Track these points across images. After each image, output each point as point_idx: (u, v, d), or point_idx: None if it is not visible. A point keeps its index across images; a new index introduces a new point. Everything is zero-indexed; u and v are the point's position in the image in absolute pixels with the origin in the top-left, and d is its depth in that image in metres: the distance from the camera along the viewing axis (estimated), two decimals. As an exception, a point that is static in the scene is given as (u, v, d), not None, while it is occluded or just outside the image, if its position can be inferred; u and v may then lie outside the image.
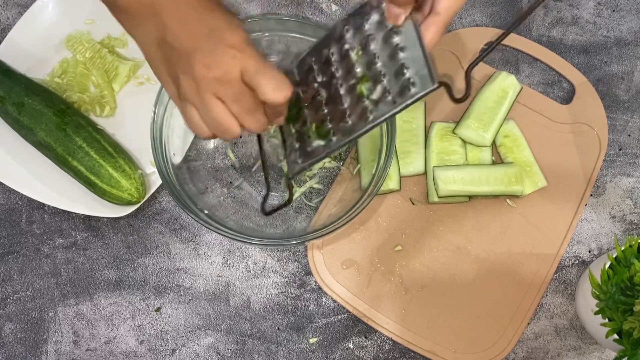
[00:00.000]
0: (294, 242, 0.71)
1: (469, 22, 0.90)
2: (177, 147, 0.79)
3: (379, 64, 0.56)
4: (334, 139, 0.59)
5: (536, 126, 0.85)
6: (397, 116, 0.78)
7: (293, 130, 0.64)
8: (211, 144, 0.85)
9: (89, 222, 0.83)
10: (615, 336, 0.66)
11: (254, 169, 0.84)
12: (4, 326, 0.81)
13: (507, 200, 0.83)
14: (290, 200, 0.63)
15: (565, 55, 0.89)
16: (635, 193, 0.85)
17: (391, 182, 0.81)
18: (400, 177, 0.82)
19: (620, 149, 0.86)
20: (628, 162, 0.86)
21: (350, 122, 0.58)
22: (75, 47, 0.85)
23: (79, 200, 0.80)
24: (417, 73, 0.53)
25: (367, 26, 0.57)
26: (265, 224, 0.82)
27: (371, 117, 0.56)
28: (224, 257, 0.82)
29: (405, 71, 0.54)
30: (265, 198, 0.65)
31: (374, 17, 0.56)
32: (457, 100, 0.53)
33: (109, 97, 0.85)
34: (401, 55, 0.54)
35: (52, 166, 0.82)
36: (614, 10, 0.91)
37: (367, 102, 0.56)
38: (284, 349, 0.80)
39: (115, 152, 0.80)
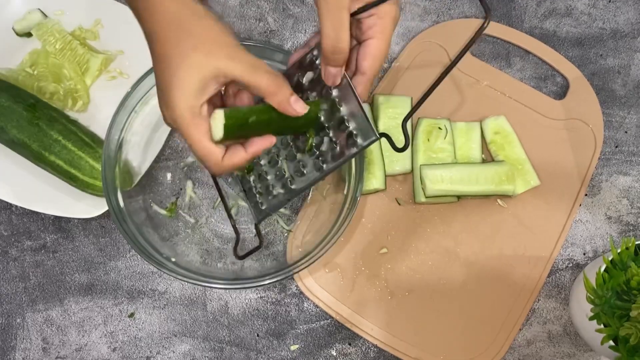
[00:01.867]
0: (267, 282, 0.71)
1: (457, 13, 0.89)
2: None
3: (322, 119, 0.62)
4: (293, 187, 0.66)
5: (528, 122, 0.85)
6: (383, 112, 0.81)
7: (251, 179, 0.70)
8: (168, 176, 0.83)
9: (59, 224, 0.82)
10: (611, 343, 0.65)
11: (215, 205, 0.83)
12: (-31, 333, 0.80)
13: (498, 200, 0.82)
14: (261, 243, 0.69)
15: (559, 48, 0.88)
16: (632, 192, 0.84)
17: (376, 181, 0.81)
18: (386, 176, 0.82)
19: (616, 147, 0.85)
20: (624, 160, 0.85)
21: (306, 172, 0.64)
22: (46, 38, 0.83)
23: (48, 201, 0.79)
24: (357, 127, 0.59)
25: (304, 81, 0.62)
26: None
27: (325, 167, 0.62)
28: (201, 257, 0.81)
29: (347, 125, 0.60)
30: (236, 243, 0.70)
31: (309, 75, 0.62)
32: (399, 150, 0.59)
33: (83, 92, 0.84)
34: (341, 109, 0.60)
35: (19, 165, 0.80)
36: (609, 1, 0.91)
37: (317, 152, 0.63)
38: (263, 356, 0.79)
39: (94, 142, 0.78)
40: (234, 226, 0.71)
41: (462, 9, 0.89)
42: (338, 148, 0.61)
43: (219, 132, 0.55)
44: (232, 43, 0.55)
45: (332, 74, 0.58)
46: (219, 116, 0.55)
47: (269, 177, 0.68)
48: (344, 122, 0.60)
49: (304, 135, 0.64)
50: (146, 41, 0.56)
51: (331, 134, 0.61)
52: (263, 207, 0.69)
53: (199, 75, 0.53)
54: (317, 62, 0.60)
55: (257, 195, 0.69)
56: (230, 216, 0.70)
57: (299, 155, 0.65)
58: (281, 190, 0.67)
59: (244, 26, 0.88)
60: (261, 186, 0.69)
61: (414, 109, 0.60)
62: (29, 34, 0.84)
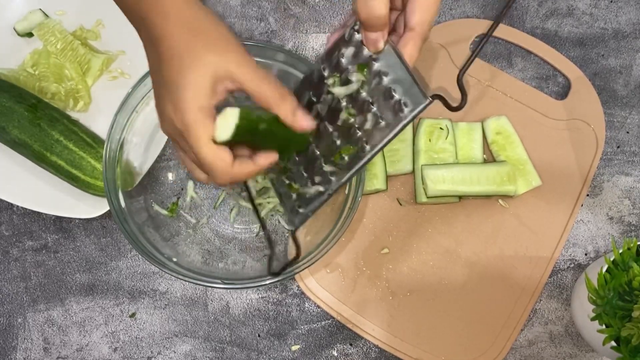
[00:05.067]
0: (268, 283, 0.70)
1: (459, 13, 0.88)
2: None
3: (364, 94, 0.57)
4: (333, 179, 0.60)
5: (530, 123, 0.84)
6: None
7: (286, 181, 0.64)
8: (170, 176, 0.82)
9: (60, 224, 0.82)
10: (613, 343, 0.65)
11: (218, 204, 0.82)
12: (-30, 333, 0.79)
13: (500, 200, 0.81)
14: (298, 254, 0.61)
15: (561, 48, 0.87)
16: (633, 193, 0.83)
17: (377, 182, 0.80)
18: (387, 176, 0.81)
19: (618, 147, 0.84)
20: (626, 160, 0.84)
21: (346, 158, 0.58)
22: (47, 38, 0.83)
23: (49, 201, 0.78)
24: (406, 93, 0.54)
25: (344, 61, 0.58)
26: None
27: (368, 147, 0.57)
28: (203, 257, 0.80)
29: (393, 94, 0.55)
30: (270, 259, 0.63)
31: (349, 50, 0.57)
32: (455, 109, 0.54)
33: (84, 92, 0.83)
34: (385, 80, 0.55)
35: (21, 165, 0.80)
36: (611, 1, 0.90)
37: (360, 134, 0.57)
38: (264, 356, 0.78)
39: (95, 142, 0.78)
40: (268, 238, 0.65)
41: (463, 8, 0.88)
42: (383, 122, 0.55)
43: (227, 131, 0.51)
44: (242, 50, 0.53)
45: (372, 39, 0.54)
46: (231, 114, 0.51)
47: (305, 174, 0.62)
48: (390, 91, 0.55)
49: (343, 113, 0.58)
50: (146, 45, 0.54)
51: (375, 109, 0.56)
52: (300, 210, 0.62)
53: (212, 75, 0.51)
54: (358, 35, 0.56)
55: (292, 199, 0.63)
56: (264, 226, 0.65)
57: (338, 142, 0.58)
58: (320, 188, 0.60)
59: (245, 26, 0.87)
60: (298, 186, 0.63)
61: (474, 54, 0.55)
62: (30, 34, 0.84)
